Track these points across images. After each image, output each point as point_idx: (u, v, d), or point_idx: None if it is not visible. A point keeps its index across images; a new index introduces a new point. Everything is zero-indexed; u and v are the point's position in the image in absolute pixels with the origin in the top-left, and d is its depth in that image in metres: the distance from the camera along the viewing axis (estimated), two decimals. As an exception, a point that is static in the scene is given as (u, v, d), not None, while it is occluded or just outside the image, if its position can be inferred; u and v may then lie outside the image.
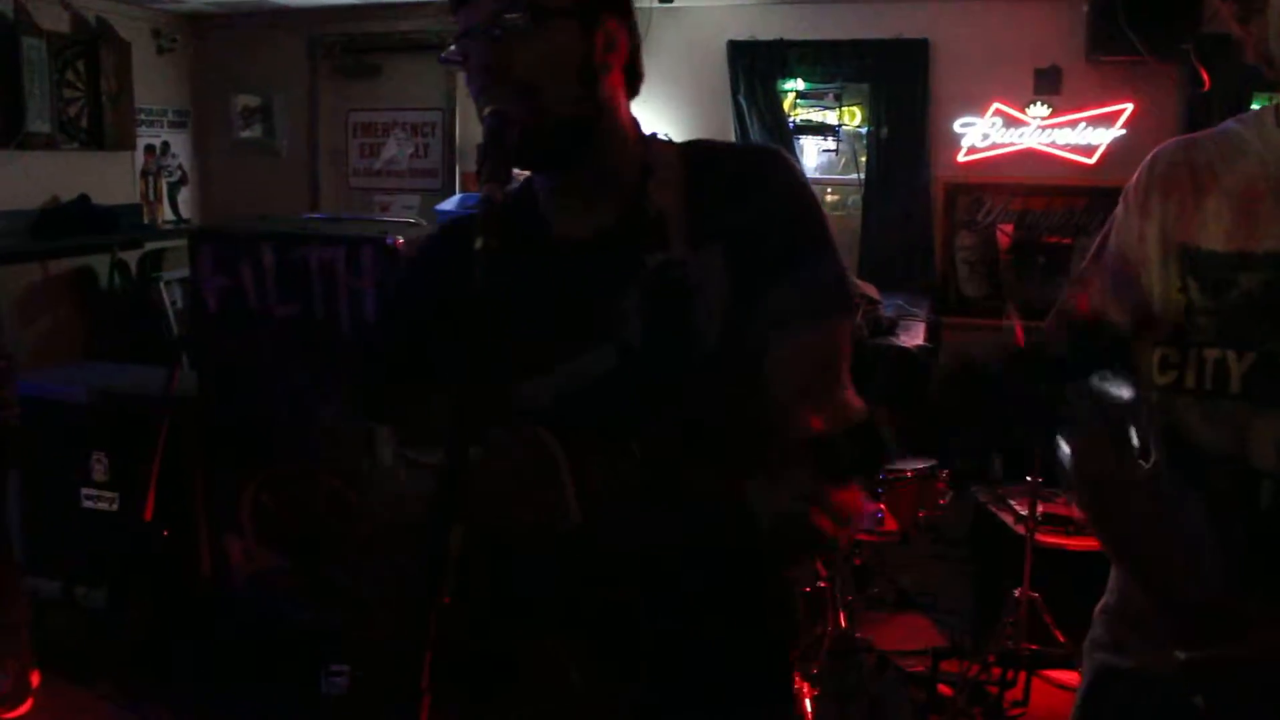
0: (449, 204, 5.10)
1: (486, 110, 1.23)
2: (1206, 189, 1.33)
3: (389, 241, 3.31)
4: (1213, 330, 1.30)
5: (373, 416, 1.49)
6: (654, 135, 1.42)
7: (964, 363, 0.97)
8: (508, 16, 1.22)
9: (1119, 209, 1.43)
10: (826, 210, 6.22)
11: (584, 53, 1.28)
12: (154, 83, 6.98)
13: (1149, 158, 1.41)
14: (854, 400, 1.26)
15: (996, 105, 5.83)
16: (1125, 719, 1.46)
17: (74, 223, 6.17)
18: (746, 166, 1.35)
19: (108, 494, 3.92)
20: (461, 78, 1.38)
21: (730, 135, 6.26)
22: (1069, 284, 1.50)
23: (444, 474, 1.08)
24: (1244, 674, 1.32)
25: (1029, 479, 3.46)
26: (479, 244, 1.11)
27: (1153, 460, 1.44)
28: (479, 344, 1.10)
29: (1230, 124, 1.37)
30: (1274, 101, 1.33)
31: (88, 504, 3.95)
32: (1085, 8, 5.48)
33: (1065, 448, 1.04)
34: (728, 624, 1.35)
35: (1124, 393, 1.24)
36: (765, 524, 1.07)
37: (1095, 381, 0.99)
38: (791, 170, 1.35)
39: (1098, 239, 1.46)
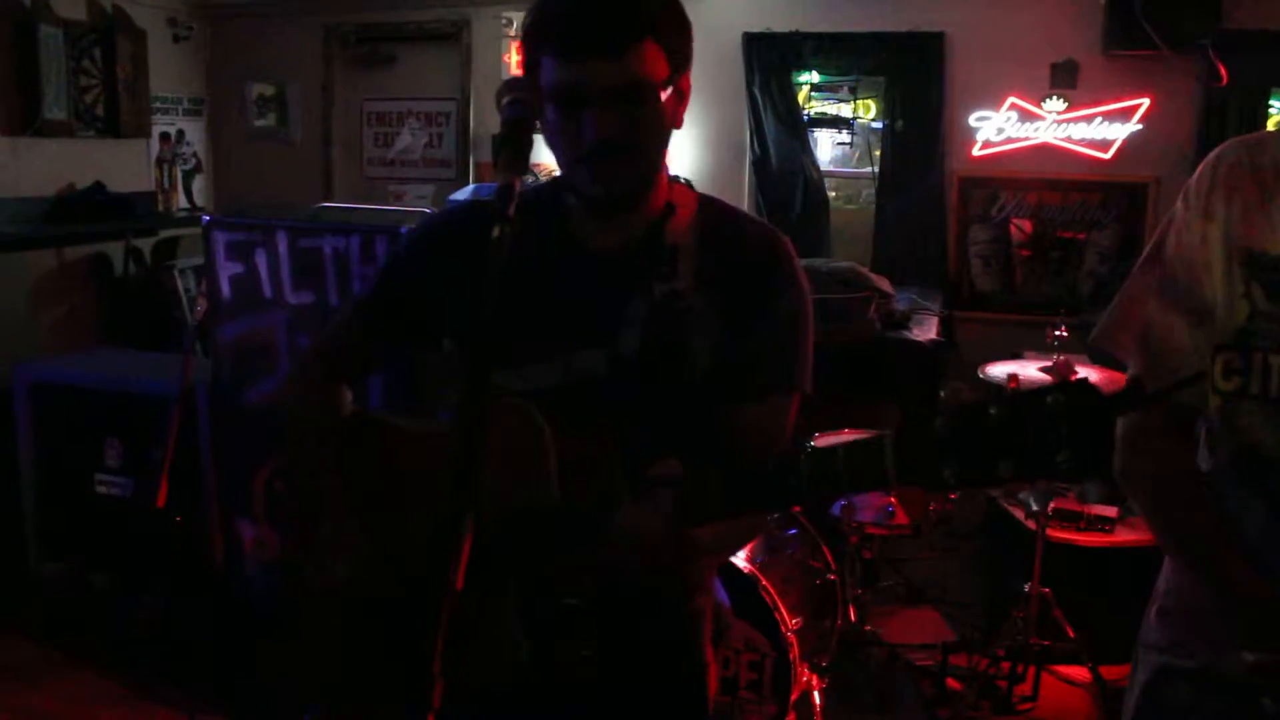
0: (463, 194, 5.10)
1: (506, 99, 1.25)
2: (1272, 191, 1.30)
3: (403, 231, 3.32)
4: (1278, 336, 1.28)
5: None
6: (678, 178, 1.54)
7: (965, 404, 0.98)
8: (621, 93, 1.32)
9: (1178, 209, 1.40)
10: (840, 204, 6.18)
11: (671, 116, 1.41)
12: (169, 71, 7.00)
13: (1212, 156, 1.38)
14: None
15: (1012, 99, 5.81)
16: None
17: (89, 209, 6.19)
18: (752, 237, 1.48)
19: (121, 480, 3.94)
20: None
21: (745, 127, 6.25)
22: (1121, 292, 1.46)
23: (455, 460, 1.09)
24: None
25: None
26: (495, 231, 1.12)
27: (1211, 463, 1.43)
28: (486, 326, 1.12)
29: None
30: None
31: (101, 490, 3.97)
32: (1102, 1, 5.45)
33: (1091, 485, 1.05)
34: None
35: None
36: (619, 540, 1.17)
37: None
38: (791, 257, 1.48)
39: (1153, 239, 1.43)
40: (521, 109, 1.24)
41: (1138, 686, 1.52)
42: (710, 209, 1.50)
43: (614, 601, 1.33)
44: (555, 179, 1.51)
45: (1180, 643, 1.45)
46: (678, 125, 1.43)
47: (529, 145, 1.23)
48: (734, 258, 1.44)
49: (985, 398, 0.98)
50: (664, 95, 1.36)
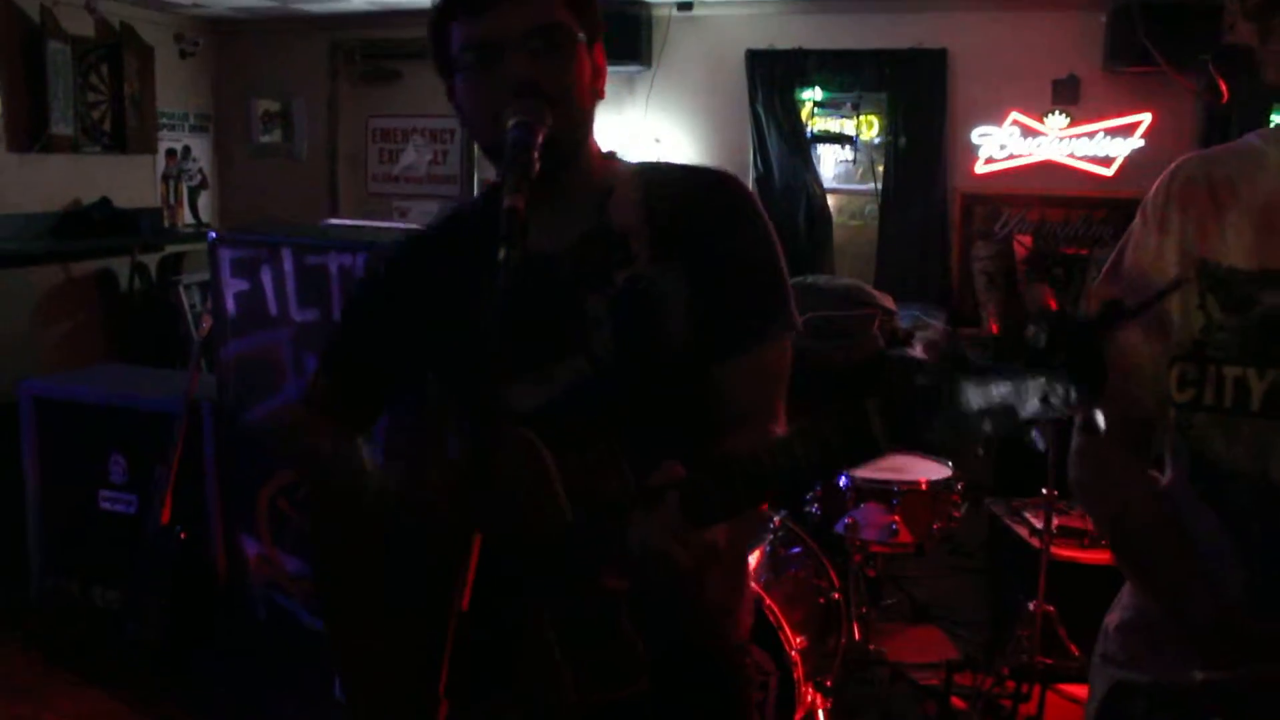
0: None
1: (512, 121, 1.25)
2: (1226, 204, 1.31)
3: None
4: (1233, 347, 1.28)
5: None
6: (613, 154, 1.48)
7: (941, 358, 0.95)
8: (539, 35, 1.29)
9: (1136, 223, 1.41)
10: (843, 220, 6.18)
11: (590, 75, 1.37)
12: (176, 87, 7.04)
13: (1167, 172, 1.39)
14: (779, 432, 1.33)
15: (1014, 115, 5.83)
16: None
17: (95, 225, 6.22)
18: (698, 188, 1.42)
19: (126, 496, 3.94)
20: (449, 92, 1.41)
21: (748, 144, 6.28)
22: (1084, 300, 1.49)
23: (463, 482, 1.09)
24: (1265, 696, 1.30)
25: (1044, 491, 3.45)
26: (502, 254, 1.12)
27: (1169, 476, 1.43)
28: (482, 352, 1.11)
29: (1250, 138, 1.36)
30: None
31: (105, 506, 3.97)
32: (1103, 18, 5.48)
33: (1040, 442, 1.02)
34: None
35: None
36: (635, 555, 1.12)
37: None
38: (741, 193, 1.42)
39: (1113, 253, 1.45)
40: (526, 132, 1.23)
41: (1096, 700, 1.52)
42: (651, 175, 1.45)
43: (660, 638, 1.30)
44: (487, 188, 1.48)
45: (1136, 657, 1.45)
46: (600, 95, 1.40)
47: (533, 168, 1.22)
48: (684, 215, 1.39)
49: (955, 349, 0.95)
50: (579, 48, 1.34)
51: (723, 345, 1.36)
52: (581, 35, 1.34)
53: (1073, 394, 0.89)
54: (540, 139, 1.24)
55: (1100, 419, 1.36)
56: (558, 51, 1.31)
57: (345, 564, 1.49)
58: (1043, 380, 0.90)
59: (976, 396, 0.92)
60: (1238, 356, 1.28)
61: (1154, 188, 1.40)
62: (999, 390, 0.91)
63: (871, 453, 1.00)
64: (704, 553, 1.10)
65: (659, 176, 1.45)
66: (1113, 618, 1.53)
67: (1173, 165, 1.40)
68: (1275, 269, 1.27)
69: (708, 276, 1.36)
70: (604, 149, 1.47)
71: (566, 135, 1.32)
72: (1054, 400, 0.90)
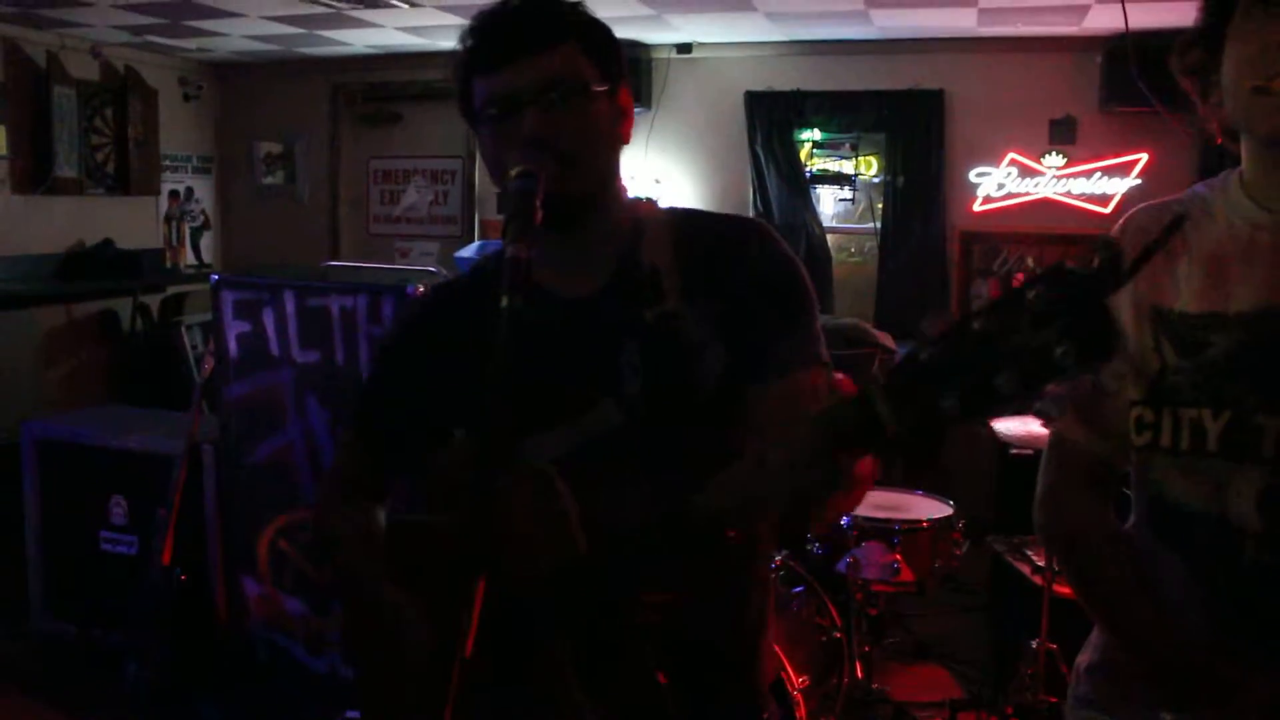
0: (468, 251, 5.14)
1: (515, 171, 1.26)
2: (1176, 252, 1.35)
3: (409, 291, 3.35)
4: (1188, 390, 1.31)
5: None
6: (640, 199, 1.50)
7: (945, 327, 0.91)
8: (555, 90, 1.30)
9: None
10: (842, 259, 6.20)
11: (611, 125, 1.38)
12: (179, 129, 7.10)
13: (1120, 223, 1.43)
14: None
15: (1012, 155, 5.87)
16: None
17: (98, 266, 6.25)
18: (731, 229, 1.43)
19: (126, 537, 3.94)
20: (478, 144, 1.42)
21: (748, 184, 6.32)
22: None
23: (466, 527, 1.09)
24: None
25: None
26: (505, 303, 1.13)
27: (1132, 519, 1.45)
28: (498, 401, 1.12)
29: (1198, 188, 1.40)
30: (1237, 168, 1.36)
31: (106, 547, 3.97)
32: (1099, 59, 5.53)
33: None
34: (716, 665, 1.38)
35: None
36: (785, 487, 1.09)
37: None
38: (772, 235, 1.43)
39: None
40: (529, 181, 1.24)
41: None
42: (682, 218, 1.47)
43: (686, 675, 1.29)
44: None
45: (1105, 699, 1.46)
46: (624, 140, 1.41)
47: (535, 217, 1.22)
48: (714, 256, 1.39)
49: (964, 316, 0.90)
50: (598, 100, 1.34)
51: (756, 371, 1.35)
52: (600, 86, 1.35)
53: (1078, 355, 0.83)
54: (542, 188, 1.24)
55: (1107, 380, 1.37)
56: (573, 105, 1.31)
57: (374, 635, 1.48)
58: (1048, 341, 0.84)
59: (985, 361, 0.87)
60: (1193, 398, 1.31)
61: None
62: (1006, 354, 0.86)
63: (881, 438, 0.95)
64: (855, 478, 1.07)
65: (689, 219, 1.47)
66: (1083, 659, 1.54)
67: (1125, 216, 1.44)
68: (1224, 312, 1.30)
69: (741, 310, 1.36)
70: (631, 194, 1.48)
71: (584, 187, 1.33)
72: (1062, 356, 0.83)
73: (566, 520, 1.18)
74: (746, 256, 1.39)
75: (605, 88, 1.36)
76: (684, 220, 1.46)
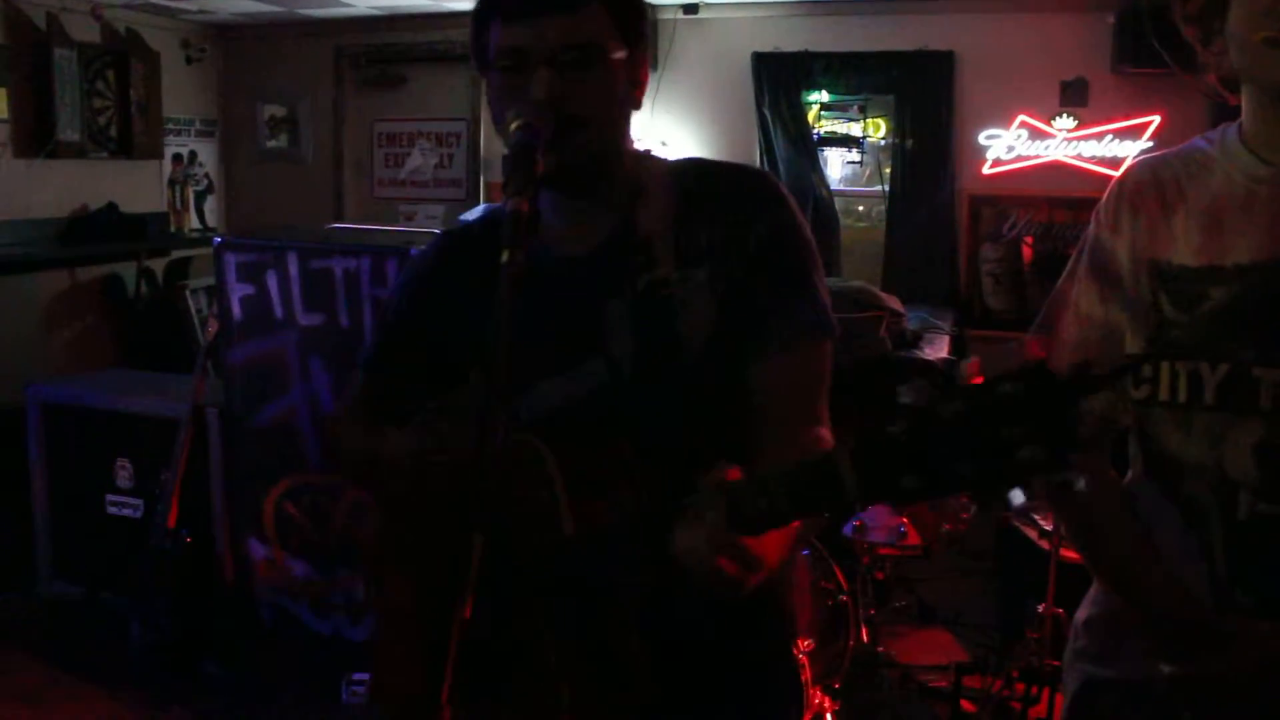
0: (473, 214, 5.12)
1: (515, 124, 1.23)
2: (1174, 206, 1.36)
3: (413, 253, 3.33)
4: (1186, 343, 1.32)
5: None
6: (648, 152, 1.47)
7: (918, 406, 0.92)
8: (571, 52, 1.27)
9: (1090, 229, 1.45)
10: (850, 222, 6.18)
11: (623, 91, 1.35)
12: (182, 92, 7.05)
13: (1117, 177, 1.44)
14: (824, 436, 1.31)
15: (1022, 117, 5.81)
16: None
17: (102, 230, 6.24)
18: (735, 189, 1.39)
19: (132, 500, 3.95)
20: (485, 87, 1.39)
21: (754, 146, 6.27)
22: (1048, 302, 1.50)
23: (465, 485, 1.08)
24: (1230, 689, 1.32)
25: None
26: (505, 257, 1.11)
27: (1130, 474, 1.45)
28: (497, 356, 1.10)
29: (1197, 141, 1.40)
30: (1237, 120, 1.35)
31: (112, 510, 3.98)
32: (1111, 20, 5.46)
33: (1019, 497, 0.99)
34: (722, 629, 1.35)
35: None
36: (684, 566, 1.08)
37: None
38: (779, 195, 1.39)
39: (1071, 260, 1.48)
40: (530, 134, 1.22)
41: (1069, 697, 1.54)
42: (686, 175, 1.42)
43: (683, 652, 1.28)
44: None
45: (1104, 654, 1.47)
46: (636, 106, 1.39)
47: (537, 169, 1.20)
48: (714, 221, 1.36)
49: (939, 396, 0.90)
50: (614, 65, 1.32)
51: (758, 344, 1.33)
52: (619, 52, 1.32)
53: (1044, 456, 0.84)
54: (543, 142, 1.22)
55: (1080, 481, 1.39)
56: (589, 70, 1.29)
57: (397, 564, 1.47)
58: (1018, 436, 0.85)
59: (953, 447, 0.88)
60: (1190, 351, 1.31)
61: (1106, 192, 1.44)
62: (974, 444, 0.87)
63: (842, 504, 0.96)
64: (752, 562, 1.06)
65: (694, 175, 1.43)
66: (1082, 613, 1.55)
67: (1123, 170, 1.45)
68: (1221, 265, 1.31)
69: (741, 279, 1.33)
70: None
71: (588, 151, 1.31)
72: (1029, 457, 0.85)
73: (558, 507, 1.18)
74: (750, 220, 1.36)
75: (624, 54, 1.33)
76: (689, 176, 1.42)
